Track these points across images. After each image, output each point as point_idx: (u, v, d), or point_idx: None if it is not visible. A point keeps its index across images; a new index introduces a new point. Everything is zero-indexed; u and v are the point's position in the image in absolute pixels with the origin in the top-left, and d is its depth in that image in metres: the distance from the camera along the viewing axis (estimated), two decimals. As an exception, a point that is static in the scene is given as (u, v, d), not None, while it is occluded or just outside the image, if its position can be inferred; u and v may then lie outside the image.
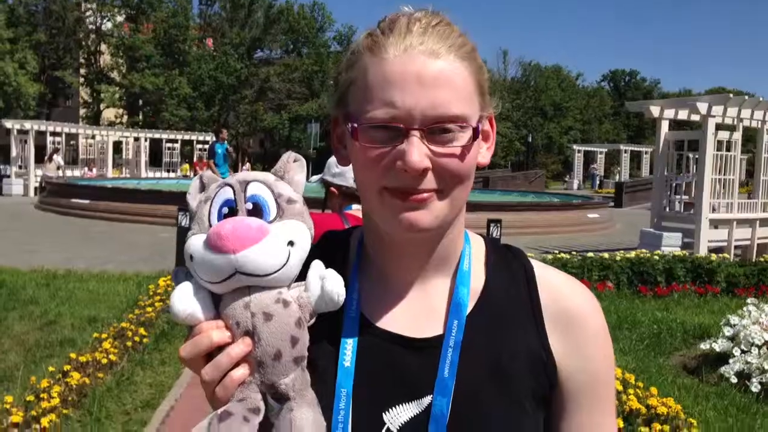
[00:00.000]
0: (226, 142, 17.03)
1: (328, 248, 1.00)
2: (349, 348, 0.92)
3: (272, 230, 0.81)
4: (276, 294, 0.83)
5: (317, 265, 0.87)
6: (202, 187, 0.88)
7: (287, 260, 0.82)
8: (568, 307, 0.97)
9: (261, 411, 0.81)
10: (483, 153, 0.95)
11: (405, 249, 0.95)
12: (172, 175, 32.83)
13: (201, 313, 0.82)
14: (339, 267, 0.91)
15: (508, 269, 1.00)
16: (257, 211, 0.84)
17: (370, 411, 0.90)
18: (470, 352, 0.92)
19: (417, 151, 0.84)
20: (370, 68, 0.88)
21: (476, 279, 0.98)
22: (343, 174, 3.06)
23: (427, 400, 0.90)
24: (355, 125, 0.88)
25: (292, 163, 0.90)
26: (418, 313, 0.96)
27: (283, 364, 0.82)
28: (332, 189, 3.01)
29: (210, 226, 0.83)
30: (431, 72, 0.85)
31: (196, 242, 0.82)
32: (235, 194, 0.84)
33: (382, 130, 0.86)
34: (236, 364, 0.83)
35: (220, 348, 0.83)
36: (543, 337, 0.95)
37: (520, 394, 0.92)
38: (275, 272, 0.81)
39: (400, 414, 0.90)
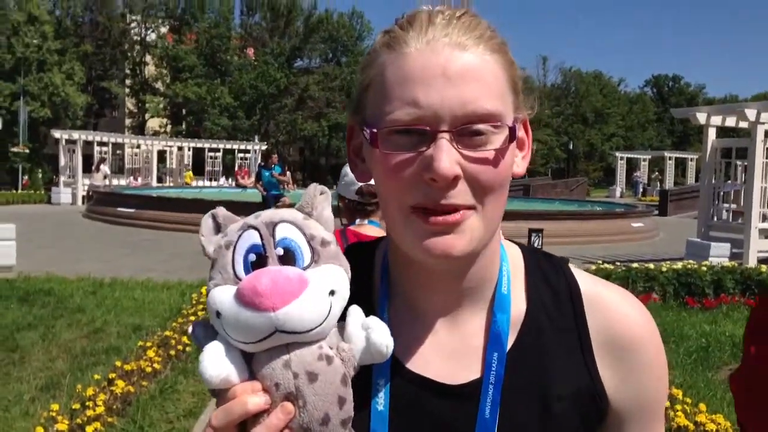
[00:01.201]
0: (276, 166, 16.39)
1: (352, 269, 0.86)
2: (381, 391, 0.83)
3: (311, 280, 0.72)
4: (317, 350, 0.74)
5: (356, 312, 0.78)
6: (217, 228, 0.79)
7: (329, 312, 0.73)
8: (621, 332, 0.87)
9: None
10: (518, 162, 0.84)
11: (435, 278, 0.85)
12: (214, 183, 33.33)
13: (236, 376, 0.73)
14: (364, 292, 0.85)
15: (551, 287, 0.90)
16: (289, 257, 0.74)
17: None
18: (513, 390, 0.83)
19: (446, 157, 0.73)
20: (389, 65, 0.78)
21: (516, 303, 0.88)
22: (347, 185, 2.95)
23: None
24: (374, 130, 0.77)
25: (320, 197, 0.80)
26: (454, 351, 0.86)
27: (330, 428, 0.73)
28: (341, 201, 2.92)
29: (236, 275, 0.74)
30: (458, 66, 0.75)
31: (223, 297, 0.73)
32: (262, 238, 0.74)
33: (405, 135, 0.76)
34: None
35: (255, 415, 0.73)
36: (591, 367, 0.86)
37: None
38: (317, 327, 0.72)
39: None
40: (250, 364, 0.74)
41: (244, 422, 0.73)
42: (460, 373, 0.85)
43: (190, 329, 0.87)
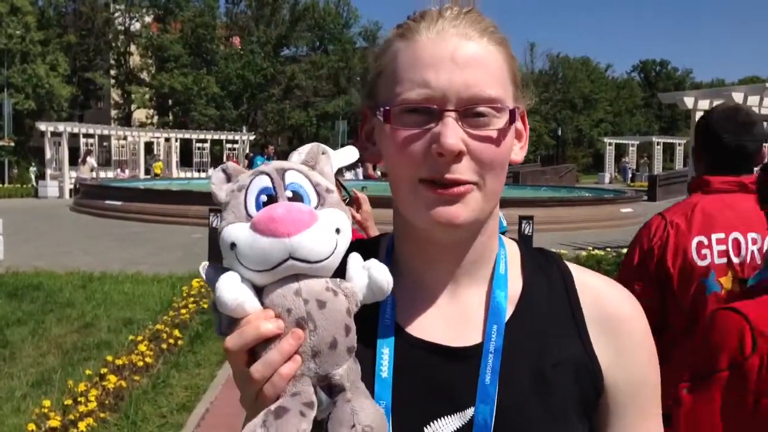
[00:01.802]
0: (269, 158, 16.55)
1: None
2: (385, 357, 0.88)
3: (320, 216, 0.78)
4: (324, 282, 0.78)
5: (356, 257, 0.83)
6: (228, 179, 0.83)
7: (335, 248, 0.78)
8: (612, 311, 0.93)
9: (315, 405, 0.76)
10: (516, 151, 0.92)
11: (438, 250, 0.91)
12: (203, 174, 33.14)
13: (249, 304, 0.77)
14: None
15: (546, 273, 0.96)
16: (296, 199, 0.79)
17: (411, 425, 0.86)
18: (511, 359, 0.88)
19: (452, 133, 0.81)
20: (402, 52, 0.86)
21: (513, 284, 0.94)
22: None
23: (470, 412, 0.86)
24: (387, 108, 0.85)
25: (321, 155, 0.86)
26: (455, 320, 0.91)
27: (338, 353, 0.77)
28: None
29: (248, 214, 0.78)
30: (465, 53, 0.84)
31: (237, 230, 0.77)
32: (273, 182, 0.80)
33: (415, 113, 0.83)
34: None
35: (264, 341, 0.77)
36: (587, 344, 0.91)
37: (566, 404, 0.88)
38: (325, 259, 0.77)
39: (442, 427, 0.86)
40: (260, 298, 0.78)
41: (253, 349, 0.77)
42: (462, 338, 0.90)
43: (201, 268, 0.86)
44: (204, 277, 0.81)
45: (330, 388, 0.78)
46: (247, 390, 0.78)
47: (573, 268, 0.98)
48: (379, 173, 21.45)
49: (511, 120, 0.85)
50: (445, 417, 0.86)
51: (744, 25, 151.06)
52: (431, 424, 0.86)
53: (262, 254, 0.75)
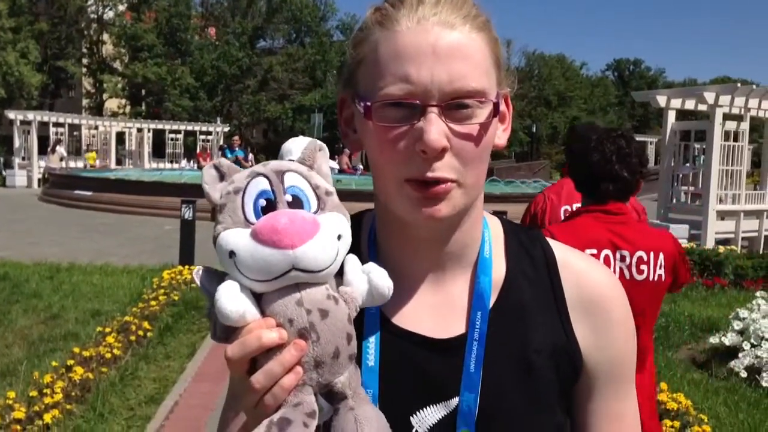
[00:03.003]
0: (239, 149, 16.32)
1: None
2: (371, 347, 0.88)
3: (322, 223, 0.76)
4: (325, 290, 0.77)
5: (354, 259, 0.82)
6: (221, 177, 0.80)
7: (337, 255, 0.77)
8: (593, 292, 0.94)
9: (317, 414, 0.75)
10: (499, 134, 0.91)
11: (422, 239, 0.90)
12: (175, 166, 32.75)
13: (250, 314, 0.75)
14: None
15: (528, 254, 0.96)
16: (297, 204, 0.77)
17: (397, 413, 0.86)
18: (495, 346, 0.89)
19: (435, 129, 0.79)
20: (381, 43, 0.83)
21: (497, 267, 0.94)
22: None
23: (455, 401, 0.87)
24: (368, 103, 0.83)
25: (318, 152, 0.84)
26: (439, 310, 0.92)
27: (340, 362, 0.77)
28: None
29: (246, 219, 0.76)
30: (447, 44, 0.81)
31: (236, 237, 0.75)
32: (271, 185, 0.77)
33: (397, 108, 0.82)
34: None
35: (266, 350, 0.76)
36: (566, 325, 0.92)
37: (548, 387, 0.90)
38: (328, 268, 0.76)
39: (428, 417, 0.88)
40: (260, 305, 0.76)
41: (255, 360, 0.76)
42: (446, 329, 0.90)
43: (194, 273, 0.81)
44: (198, 283, 0.78)
45: (331, 395, 0.78)
46: (246, 398, 0.77)
47: (556, 247, 0.98)
48: (360, 168, 21.36)
49: (495, 112, 0.84)
50: (431, 406, 0.88)
51: (717, 25, 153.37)
52: (417, 413, 0.88)
53: (264, 265, 0.73)
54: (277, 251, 0.72)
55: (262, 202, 0.76)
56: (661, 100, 12.63)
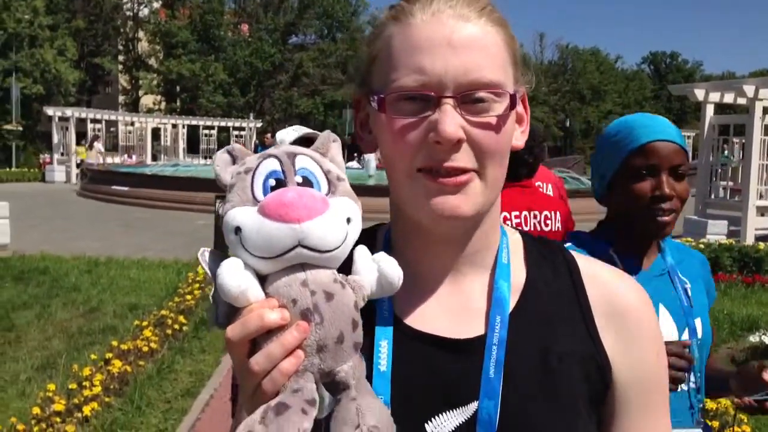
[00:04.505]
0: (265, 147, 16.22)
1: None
2: (383, 351, 0.83)
3: (332, 203, 0.73)
4: (331, 274, 0.74)
5: (364, 249, 0.79)
6: (233, 161, 0.79)
7: (346, 238, 0.74)
8: (620, 303, 0.89)
9: (317, 403, 0.71)
10: (517, 135, 0.88)
11: (438, 240, 0.87)
12: (209, 162, 33.06)
13: (252, 293, 0.72)
14: None
15: (550, 263, 0.92)
16: (307, 185, 0.75)
17: (411, 421, 0.81)
18: (516, 351, 0.84)
19: (450, 121, 0.77)
20: (396, 36, 0.81)
21: (516, 274, 0.90)
22: None
23: (473, 406, 0.82)
24: (382, 96, 0.80)
25: (333, 143, 0.82)
26: (457, 312, 0.87)
27: (344, 348, 0.73)
28: None
29: (254, 197, 0.74)
30: (462, 35, 0.79)
31: (243, 213, 0.72)
32: (282, 166, 0.75)
33: (411, 101, 0.79)
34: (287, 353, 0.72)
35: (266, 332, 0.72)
36: (595, 337, 0.87)
37: (573, 397, 0.84)
38: (335, 249, 0.73)
39: (444, 424, 0.82)
40: (264, 287, 0.73)
41: (255, 343, 0.72)
42: (463, 329, 0.86)
43: (199, 254, 0.79)
44: (203, 264, 0.76)
45: (333, 385, 0.74)
46: (246, 383, 0.73)
47: (579, 258, 0.94)
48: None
49: (512, 105, 0.82)
50: (447, 412, 0.82)
51: (755, 16, 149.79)
52: (432, 419, 0.82)
53: (269, 240, 0.71)
54: (283, 225, 0.70)
55: (272, 182, 0.75)
56: (699, 93, 12.39)
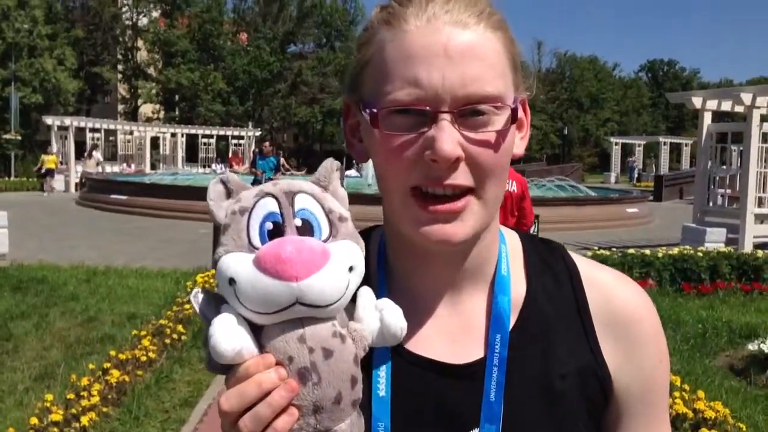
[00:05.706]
0: (272, 156, 15.62)
1: None
2: (382, 375, 0.80)
3: (332, 253, 0.69)
4: (331, 327, 0.70)
5: (368, 293, 0.75)
6: (227, 194, 0.74)
7: (347, 288, 0.70)
8: (621, 310, 0.86)
9: None
10: (517, 143, 0.83)
11: (435, 260, 0.83)
12: (207, 170, 33.11)
13: (247, 350, 0.68)
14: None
15: (551, 269, 0.88)
16: (306, 229, 0.70)
17: None
18: (517, 372, 0.81)
19: (448, 138, 0.72)
20: (388, 43, 0.76)
21: (516, 285, 0.86)
22: None
23: None
24: (374, 110, 0.75)
25: (335, 172, 0.77)
26: (455, 333, 0.84)
27: (342, 408, 0.70)
28: None
29: (250, 243, 0.69)
30: (459, 44, 0.73)
31: (238, 264, 0.68)
32: (280, 207, 0.70)
33: (406, 115, 0.74)
34: (280, 411, 0.68)
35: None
36: (594, 346, 0.84)
37: (575, 415, 0.82)
38: (336, 302, 0.69)
39: None
40: (259, 338, 0.70)
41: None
42: (463, 353, 0.83)
43: (192, 296, 0.75)
44: (195, 306, 0.72)
45: None
46: None
47: (580, 261, 0.91)
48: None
49: (513, 119, 0.77)
50: None
51: (752, 24, 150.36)
52: None
53: (264, 296, 0.67)
54: (280, 282, 0.66)
55: (269, 226, 0.70)
56: (697, 101, 12.42)
